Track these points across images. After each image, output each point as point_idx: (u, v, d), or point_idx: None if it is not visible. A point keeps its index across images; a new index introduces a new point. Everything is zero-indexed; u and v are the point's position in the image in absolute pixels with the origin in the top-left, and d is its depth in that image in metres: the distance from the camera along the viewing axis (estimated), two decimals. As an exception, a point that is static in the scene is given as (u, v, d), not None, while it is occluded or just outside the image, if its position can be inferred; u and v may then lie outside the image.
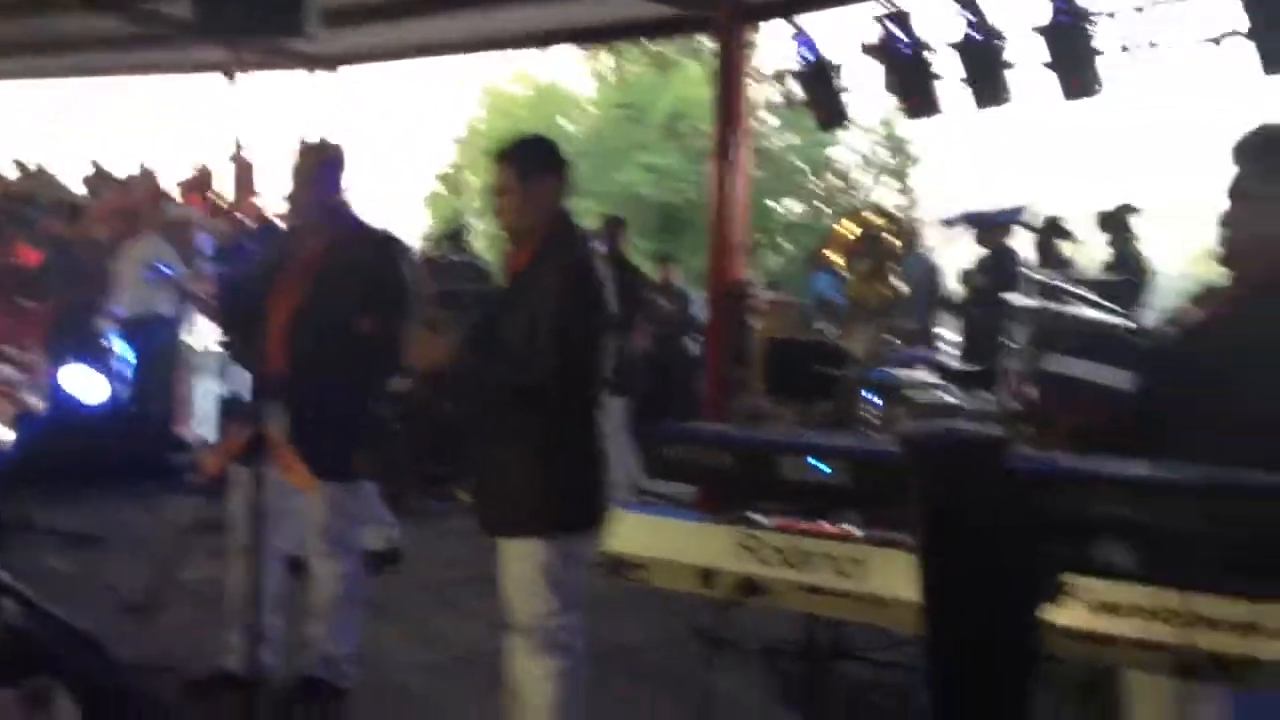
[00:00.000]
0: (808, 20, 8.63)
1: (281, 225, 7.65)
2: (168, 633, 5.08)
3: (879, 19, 8.06)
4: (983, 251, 9.29)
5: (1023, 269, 7.43)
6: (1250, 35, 6.61)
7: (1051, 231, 8.81)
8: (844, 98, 8.79)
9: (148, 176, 12.80)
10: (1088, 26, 7.23)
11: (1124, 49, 7.29)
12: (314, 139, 4.78)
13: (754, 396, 7.81)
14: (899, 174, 28.37)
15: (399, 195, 27.97)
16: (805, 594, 2.24)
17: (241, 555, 4.23)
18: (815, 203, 27.39)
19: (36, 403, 8.12)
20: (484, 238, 18.35)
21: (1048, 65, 7.41)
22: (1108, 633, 1.90)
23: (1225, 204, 2.92)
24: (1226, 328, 2.91)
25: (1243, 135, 2.89)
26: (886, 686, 4.62)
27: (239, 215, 11.22)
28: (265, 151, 12.09)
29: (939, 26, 7.95)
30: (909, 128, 26.05)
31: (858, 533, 2.29)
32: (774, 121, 25.22)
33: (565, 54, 26.86)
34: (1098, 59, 7.31)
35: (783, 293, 11.00)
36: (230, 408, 8.35)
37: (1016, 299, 5.64)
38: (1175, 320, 3.39)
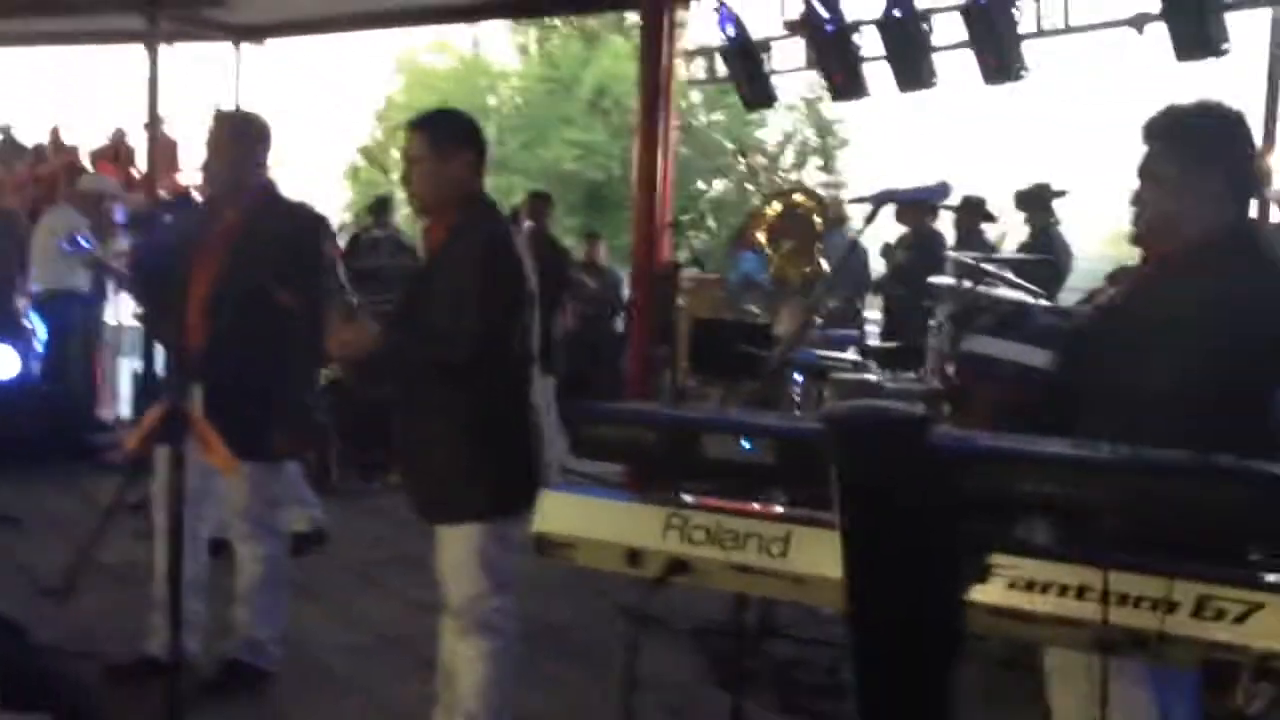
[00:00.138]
0: (735, -2, 8.62)
1: (199, 198, 7.54)
2: (88, 616, 5.00)
3: (803, -7, 8.07)
4: (904, 229, 9.39)
5: (945, 251, 7.52)
6: (1164, 19, 6.72)
7: (971, 212, 8.91)
8: (773, 78, 8.81)
9: (63, 147, 12.54)
10: (1010, 9, 7.30)
11: (1042, 32, 7.39)
12: (230, 109, 4.70)
13: (680, 375, 7.83)
14: (826, 155, 28.52)
15: (322, 168, 27.63)
16: (732, 573, 2.25)
17: (163, 537, 4.17)
18: (742, 182, 27.47)
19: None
20: (407, 211, 18.18)
21: (966, 46, 7.48)
22: (1028, 609, 1.93)
23: (1136, 183, 2.98)
24: (1138, 306, 2.96)
25: (1151, 115, 2.95)
26: (813, 664, 4.68)
27: (156, 187, 11.02)
28: (190, 125, 11.90)
29: (867, 6, 8.00)
30: (839, 110, 26.22)
31: (784, 511, 2.30)
32: (700, 99, 25.23)
33: (487, 25, 26.60)
34: (1022, 43, 7.39)
35: (708, 272, 11.03)
36: (147, 384, 8.23)
37: (938, 279, 5.70)
38: (1091, 299, 3.45)
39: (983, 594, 1.96)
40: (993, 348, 4.05)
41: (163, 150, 11.67)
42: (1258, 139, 9.35)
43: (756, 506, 2.31)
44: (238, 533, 4.53)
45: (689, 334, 7.69)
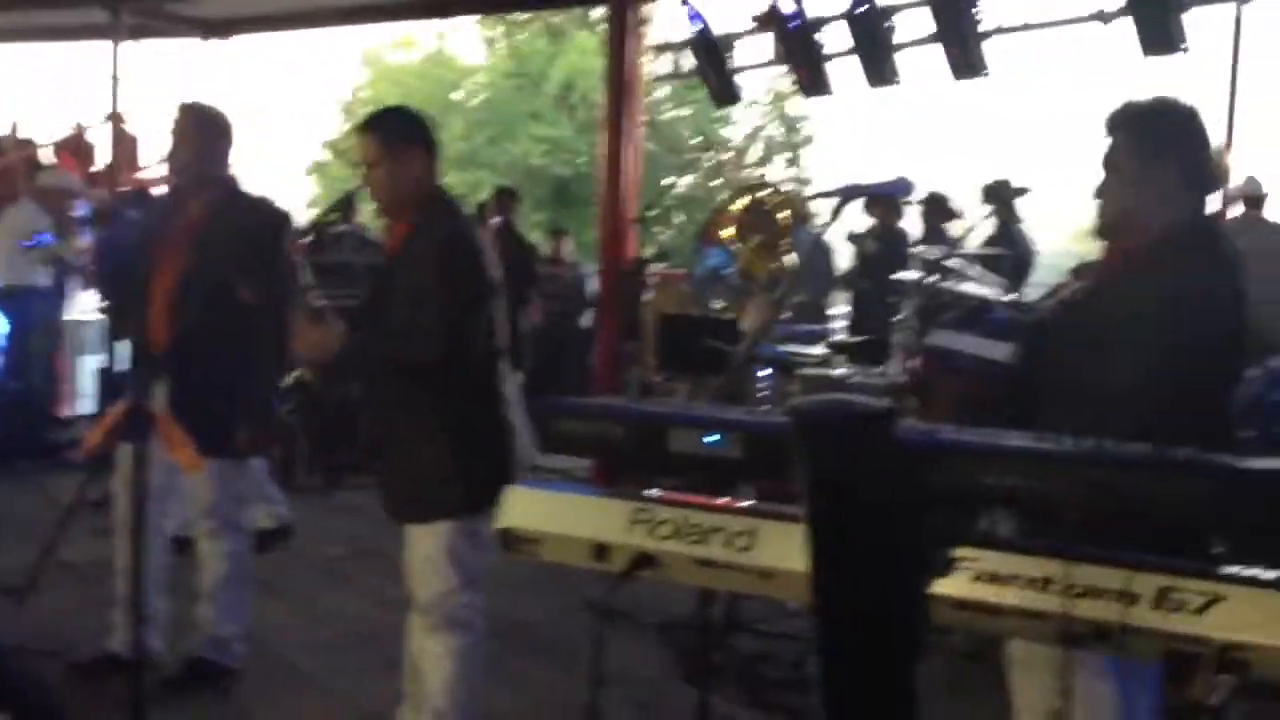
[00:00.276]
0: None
1: (160, 193, 7.48)
2: (50, 614, 4.96)
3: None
4: (868, 224, 9.43)
5: (911, 248, 7.55)
6: (1130, 13, 6.78)
7: (935, 208, 8.96)
8: (739, 74, 8.82)
9: (23, 142, 12.40)
10: (974, 5, 7.34)
11: (1006, 28, 7.43)
12: (195, 101, 4.66)
13: (646, 371, 7.83)
14: (792, 151, 28.60)
15: (287, 164, 27.50)
16: (698, 567, 2.25)
17: (126, 535, 4.14)
18: (709, 178, 27.51)
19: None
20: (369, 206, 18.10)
21: (931, 42, 7.51)
22: (992, 602, 1.94)
23: (1099, 177, 3.00)
24: (1099, 301, 2.99)
25: (1115, 108, 2.98)
26: (779, 658, 4.70)
27: (118, 182, 10.92)
28: (154, 121, 11.78)
29: (833, 2, 8.02)
30: (805, 107, 26.31)
31: (750, 505, 2.30)
32: (666, 95, 25.25)
33: (453, 20, 26.51)
34: (986, 39, 7.43)
35: (674, 267, 11.05)
36: (110, 381, 8.17)
37: (903, 274, 5.73)
38: (1055, 294, 3.48)
39: (947, 587, 1.97)
40: (956, 342, 4.08)
41: (124, 146, 11.57)
42: (1220, 136, 9.45)
43: (722, 501, 2.31)
44: (202, 529, 4.50)
45: (655, 329, 7.69)
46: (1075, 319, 3.07)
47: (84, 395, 9.62)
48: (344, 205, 10.82)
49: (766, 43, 8.58)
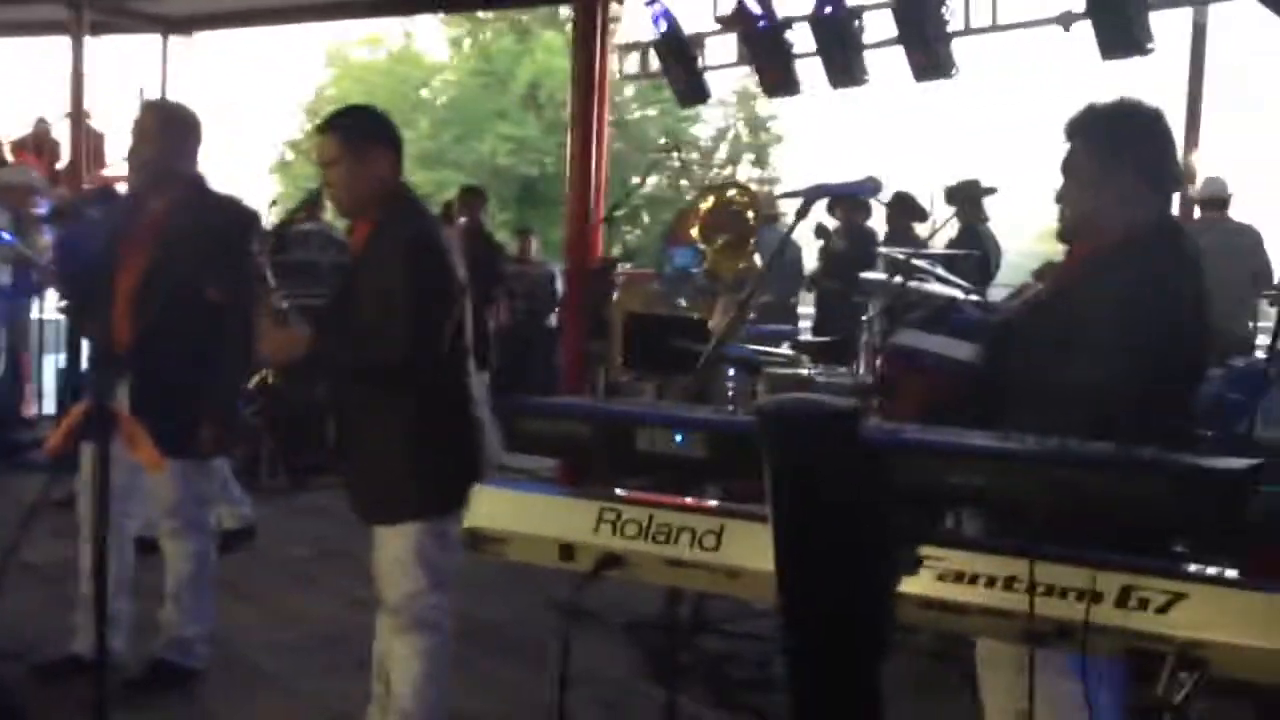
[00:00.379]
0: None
1: (124, 191, 7.42)
2: (12, 615, 4.90)
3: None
4: (834, 223, 9.46)
5: (878, 248, 7.58)
6: (1090, 18, 6.83)
7: (902, 208, 8.99)
8: (706, 74, 8.83)
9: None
10: (940, 7, 7.38)
11: (971, 30, 7.48)
12: (157, 98, 4.63)
13: (613, 370, 7.83)
14: (759, 151, 28.67)
15: (250, 162, 27.34)
16: (665, 567, 2.25)
17: (89, 536, 4.10)
18: (676, 178, 27.53)
19: None
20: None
21: (897, 43, 7.55)
22: (957, 601, 1.95)
23: (1059, 181, 3.03)
24: (1062, 301, 3.01)
25: (1074, 113, 3.00)
26: (746, 658, 4.70)
27: (81, 180, 10.83)
28: (115, 118, 11.70)
29: (799, 3, 8.05)
30: (773, 107, 26.38)
31: (716, 505, 2.31)
32: (633, 94, 25.27)
33: (419, 19, 26.46)
34: (951, 41, 7.47)
35: (641, 266, 11.05)
36: (72, 380, 8.09)
37: (869, 274, 5.75)
38: (1020, 294, 3.50)
39: (912, 586, 1.98)
40: (922, 341, 4.08)
41: (88, 143, 11.48)
42: (1180, 138, 9.52)
43: (689, 500, 2.31)
44: (165, 530, 4.47)
45: (622, 329, 7.68)
46: (1039, 319, 3.09)
47: (46, 394, 9.53)
48: (309, 204, 10.79)
49: (734, 42, 8.60)
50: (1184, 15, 7.62)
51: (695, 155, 28.24)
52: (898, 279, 5.25)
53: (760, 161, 28.82)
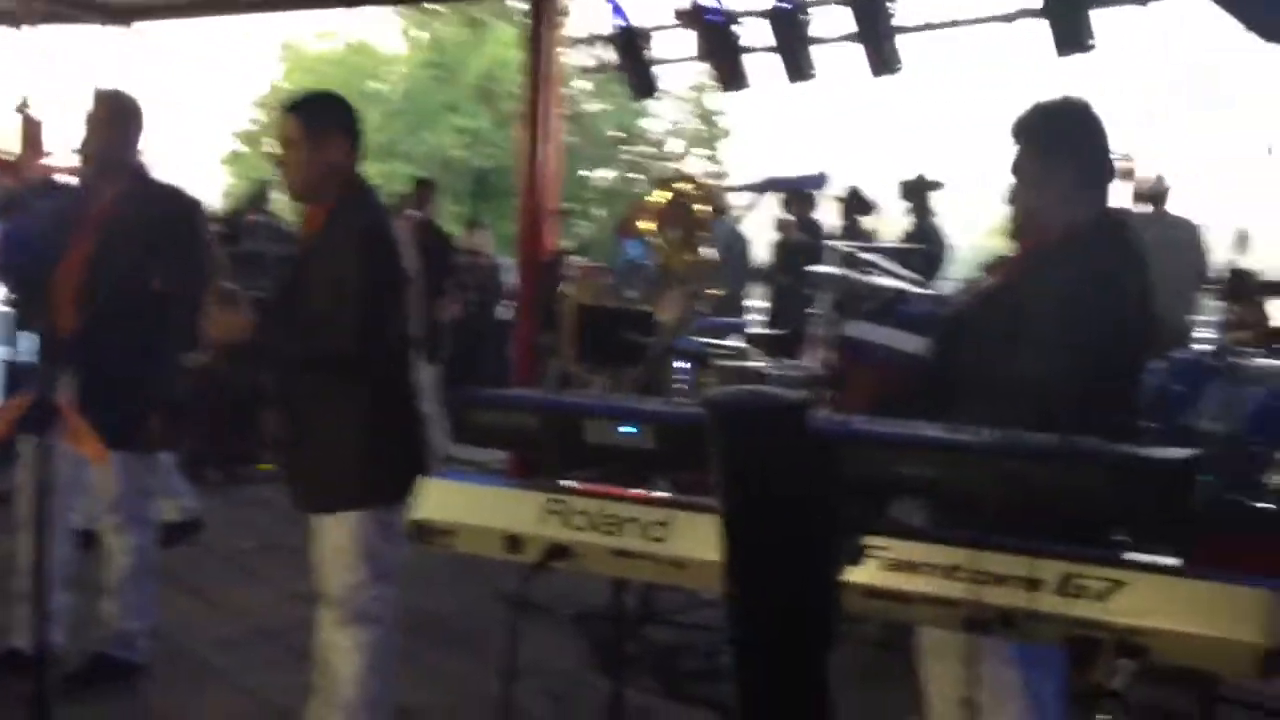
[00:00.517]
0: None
1: (70, 182, 7.31)
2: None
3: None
4: (788, 218, 9.49)
5: (828, 240, 7.61)
6: (1044, 15, 6.88)
7: (852, 202, 9.04)
8: (657, 67, 8.83)
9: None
10: (891, 2, 7.41)
11: (924, 26, 7.52)
12: (104, 88, 4.57)
13: (565, 363, 7.82)
14: (710, 144, 28.72)
15: (197, 154, 27.10)
16: (613, 558, 2.25)
17: (29, 529, 4.05)
18: (628, 172, 27.55)
19: None
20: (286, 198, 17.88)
21: (850, 39, 7.58)
22: (902, 590, 1.96)
23: (1009, 183, 3.07)
24: (1010, 294, 3.04)
25: (1019, 115, 3.04)
26: (693, 649, 4.71)
27: (24, 172, 10.67)
28: (60, 109, 11.53)
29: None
30: (725, 101, 26.43)
31: (664, 496, 2.31)
32: (586, 88, 25.21)
33: (372, 11, 26.25)
34: (904, 36, 7.51)
35: (593, 260, 11.04)
36: (16, 373, 7.97)
37: (820, 268, 5.78)
38: (968, 288, 3.53)
39: (858, 576, 1.99)
40: (872, 333, 4.11)
41: (31, 134, 11.30)
42: (1129, 133, 9.62)
43: (636, 492, 2.31)
44: (108, 524, 4.42)
45: (574, 321, 7.68)
46: (986, 312, 3.12)
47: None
48: (259, 195, 10.72)
49: (687, 37, 8.60)
50: (1139, 12, 7.67)
51: (648, 149, 28.24)
52: (848, 272, 5.28)
53: (712, 156, 28.87)
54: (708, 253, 7.07)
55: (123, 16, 10.95)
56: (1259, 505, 4.55)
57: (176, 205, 4.44)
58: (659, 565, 2.21)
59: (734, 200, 9.63)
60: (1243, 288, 6.53)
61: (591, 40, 9.26)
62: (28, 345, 7.20)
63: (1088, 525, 1.95)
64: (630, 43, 8.66)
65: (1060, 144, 2.97)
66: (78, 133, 4.43)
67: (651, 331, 6.42)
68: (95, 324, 4.16)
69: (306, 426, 3.57)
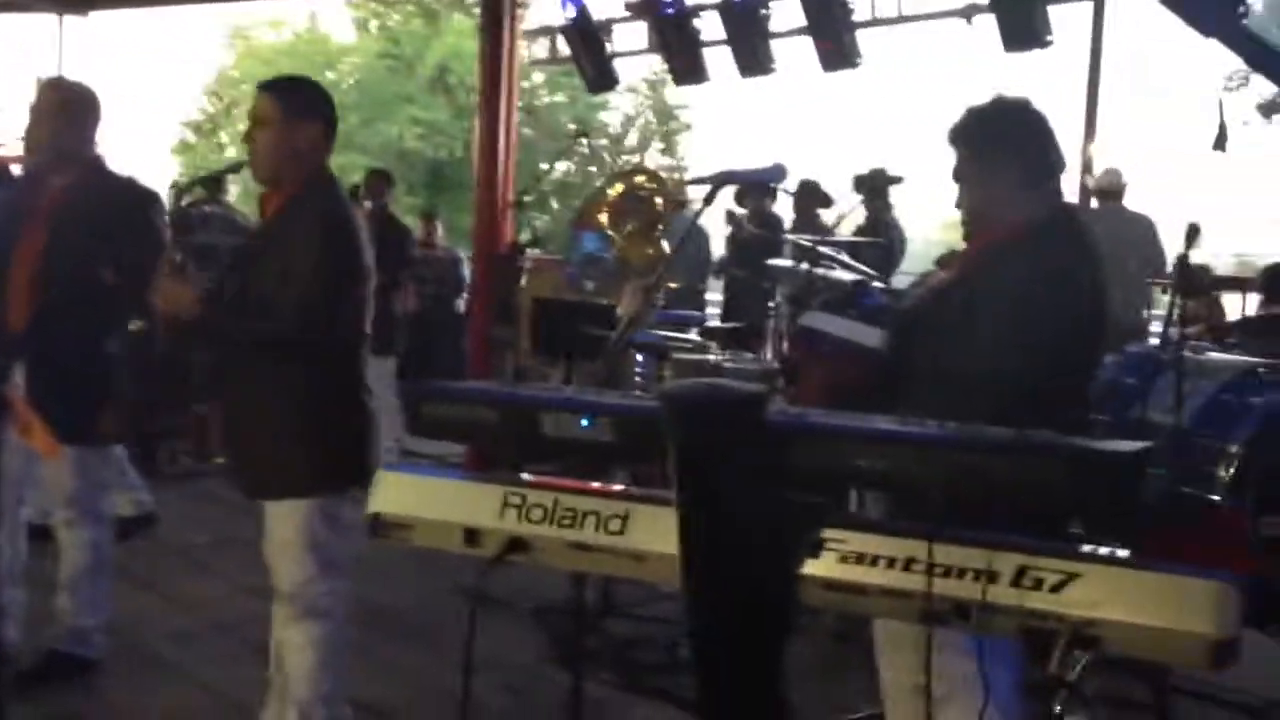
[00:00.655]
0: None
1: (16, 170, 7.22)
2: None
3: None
4: (740, 211, 9.51)
5: (785, 235, 7.64)
6: (992, 10, 6.94)
7: (808, 196, 9.06)
8: (615, 61, 8.83)
9: None
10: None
11: (877, 20, 7.56)
12: (57, 77, 4.52)
13: (521, 356, 7.81)
14: (668, 138, 28.74)
15: (150, 142, 26.83)
16: (571, 551, 2.25)
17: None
18: (585, 164, 27.49)
19: None
20: (239, 187, 17.73)
21: (805, 33, 7.61)
22: (858, 582, 1.97)
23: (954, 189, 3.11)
24: (963, 288, 3.06)
25: (954, 121, 3.07)
26: (653, 642, 4.72)
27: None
28: (8, 98, 11.40)
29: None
30: (682, 94, 26.42)
31: (622, 489, 2.31)
32: (543, 80, 25.17)
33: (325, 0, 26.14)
34: (858, 31, 7.55)
35: (550, 252, 11.02)
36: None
37: (776, 261, 5.80)
38: (923, 282, 3.56)
39: (815, 568, 2.00)
40: (828, 324, 4.13)
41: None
42: (1079, 128, 9.72)
43: (594, 485, 2.31)
44: (61, 519, 4.38)
45: (531, 314, 7.66)
46: (941, 307, 3.14)
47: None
48: (211, 183, 10.60)
49: (643, 29, 8.61)
50: (1084, 8, 7.76)
51: (604, 142, 28.22)
52: (804, 266, 5.30)
53: (669, 149, 28.89)
54: (665, 246, 7.08)
55: (79, 5, 10.82)
56: (1208, 498, 4.61)
57: (133, 197, 4.39)
58: (618, 559, 2.21)
59: (692, 193, 9.65)
60: (1194, 282, 6.60)
61: (549, 32, 9.25)
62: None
63: (1041, 518, 1.97)
64: (587, 35, 8.65)
65: (996, 145, 3.00)
66: (21, 124, 4.38)
67: (608, 324, 6.42)
68: (47, 316, 4.12)
69: (252, 409, 3.53)
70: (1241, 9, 5.85)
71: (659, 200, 7.21)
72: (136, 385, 4.64)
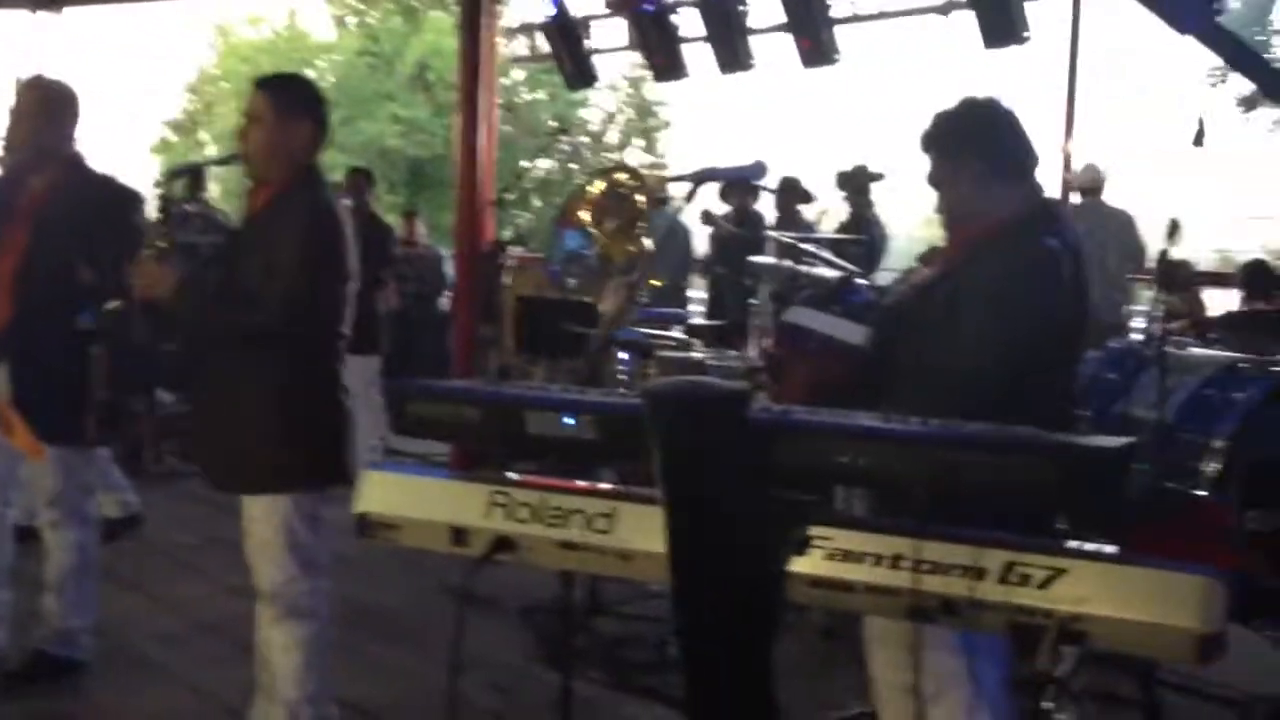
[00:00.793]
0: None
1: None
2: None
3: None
4: (726, 208, 9.51)
5: (767, 231, 7.64)
6: (971, 7, 6.96)
7: (789, 192, 9.07)
8: (594, 57, 8.82)
9: None
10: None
11: (856, 17, 7.58)
12: (36, 76, 4.49)
13: (504, 354, 7.80)
14: (649, 135, 28.72)
15: (130, 141, 26.71)
16: (558, 549, 2.25)
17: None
18: (566, 162, 27.46)
19: None
20: (220, 185, 17.67)
21: (784, 29, 7.62)
22: (845, 579, 1.98)
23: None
24: (945, 284, 3.07)
25: (924, 128, 3.08)
26: (641, 640, 4.73)
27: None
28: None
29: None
30: (663, 91, 26.42)
31: (608, 487, 2.31)
32: (523, 77, 25.14)
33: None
34: (836, 27, 7.56)
35: (532, 250, 11.01)
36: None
37: (759, 258, 5.80)
38: (906, 279, 3.57)
39: (802, 565, 2.01)
40: (811, 321, 4.13)
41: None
42: (1059, 124, 9.75)
43: (580, 483, 2.31)
44: (47, 520, 4.36)
45: (514, 312, 7.66)
46: (923, 303, 3.15)
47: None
48: (191, 181, 10.53)
49: (622, 26, 8.60)
50: (1062, 4, 7.80)
51: (585, 139, 28.19)
52: (787, 263, 5.30)
53: (649, 146, 28.88)
54: (647, 243, 7.08)
55: (52, 2, 10.74)
56: (1193, 493, 4.63)
57: (114, 195, 4.38)
58: (604, 557, 2.22)
59: (673, 190, 9.64)
60: (1175, 277, 6.64)
61: (528, 29, 9.23)
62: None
63: (1026, 514, 1.98)
64: (566, 32, 8.64)
65: (964, 145, 3.01)
66: (2, 121, 4.36)
67: (591, 322, 6.41)
68: (30, 315, 4.10)
69: (223, 402, 3.52)
70: (1216, 6, 5.88)
71: (640, 197, 7.21)
72: (119, 381, 4.64)
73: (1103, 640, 1.80)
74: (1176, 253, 5.01)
